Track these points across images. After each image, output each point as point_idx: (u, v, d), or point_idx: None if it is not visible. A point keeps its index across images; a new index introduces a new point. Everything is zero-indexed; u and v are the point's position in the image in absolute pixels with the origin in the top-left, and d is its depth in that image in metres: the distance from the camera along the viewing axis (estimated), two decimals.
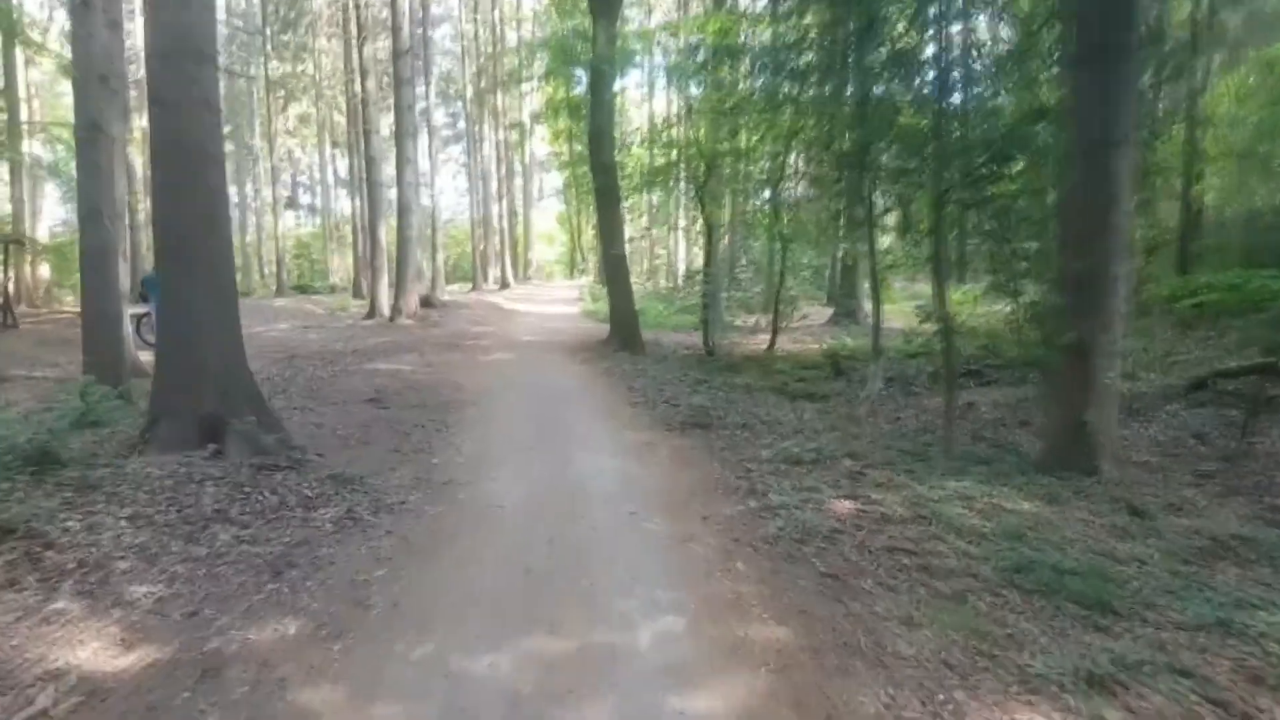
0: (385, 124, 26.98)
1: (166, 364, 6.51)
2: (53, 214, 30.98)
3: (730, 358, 14.17)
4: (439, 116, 52.88)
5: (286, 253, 35.29)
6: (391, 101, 21.25)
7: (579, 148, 48.21)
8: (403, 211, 19.81)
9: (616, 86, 16.48)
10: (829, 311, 20.60)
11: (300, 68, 38.08)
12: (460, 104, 45.69)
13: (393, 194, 19.83)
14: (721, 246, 18.82)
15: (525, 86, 39.49)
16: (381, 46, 25.43)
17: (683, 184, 19.83)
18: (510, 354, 14.09)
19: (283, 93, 38.80)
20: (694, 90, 18.55)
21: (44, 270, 25.08)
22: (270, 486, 5.41)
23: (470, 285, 38.60)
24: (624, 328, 14.74)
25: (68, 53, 11.40)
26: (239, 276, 39.33)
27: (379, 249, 20.62)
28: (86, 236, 9.71)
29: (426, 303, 23.82)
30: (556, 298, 32.21)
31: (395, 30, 19.61)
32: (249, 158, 39.50)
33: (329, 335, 17.88)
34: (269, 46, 35.56)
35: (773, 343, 14.83)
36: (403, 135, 19.64)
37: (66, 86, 15.66)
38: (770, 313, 15.54)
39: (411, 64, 21.25)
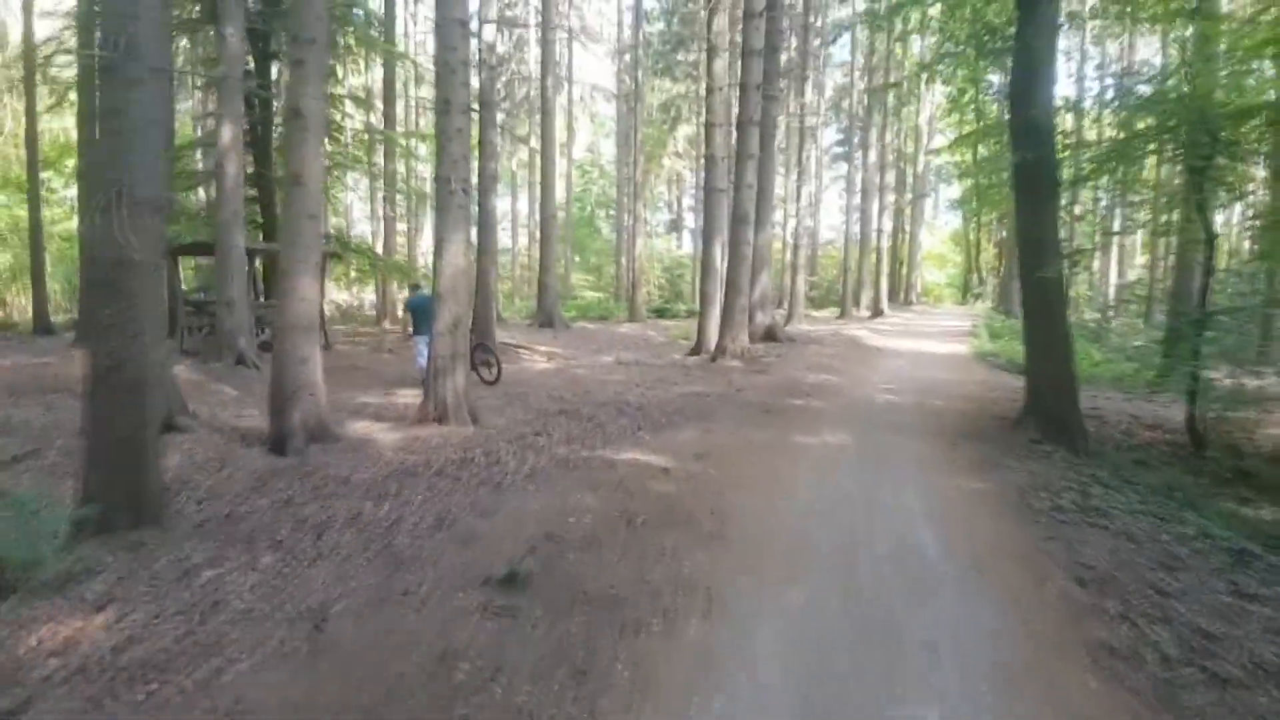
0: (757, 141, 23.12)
1: None
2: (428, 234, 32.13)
3: (1243, 455, 7.76)
4: (828, 135, 48.98)
5: (644, 275, 33.24)
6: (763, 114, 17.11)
7: (985, 150, 41.07)
8: (737, 223, 15.44)
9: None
10: None
11: (691, 88, 36.19)
12: (845, 113, 40.87)
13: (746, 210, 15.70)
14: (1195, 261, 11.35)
15: (924, 88, 33.64)
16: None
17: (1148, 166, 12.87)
18: (846, 435, 8.83)
19: (672, 113, 37.44)
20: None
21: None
22: None
23: (838, 311, 33.45)
24: (1053, 398, 8.68)
25: None
26: (603, 298, 38.88)
27: (709, 273, 16.49)
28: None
29: (770, 335, 19.25)
30: (940, 330, 25.72)
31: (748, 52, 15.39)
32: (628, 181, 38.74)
33: (634, 378, 14.14)
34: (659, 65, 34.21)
35: None
36: (744, 140, 15.31)
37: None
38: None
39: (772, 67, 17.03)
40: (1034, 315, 9.04)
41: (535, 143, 35.94)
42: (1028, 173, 9.01)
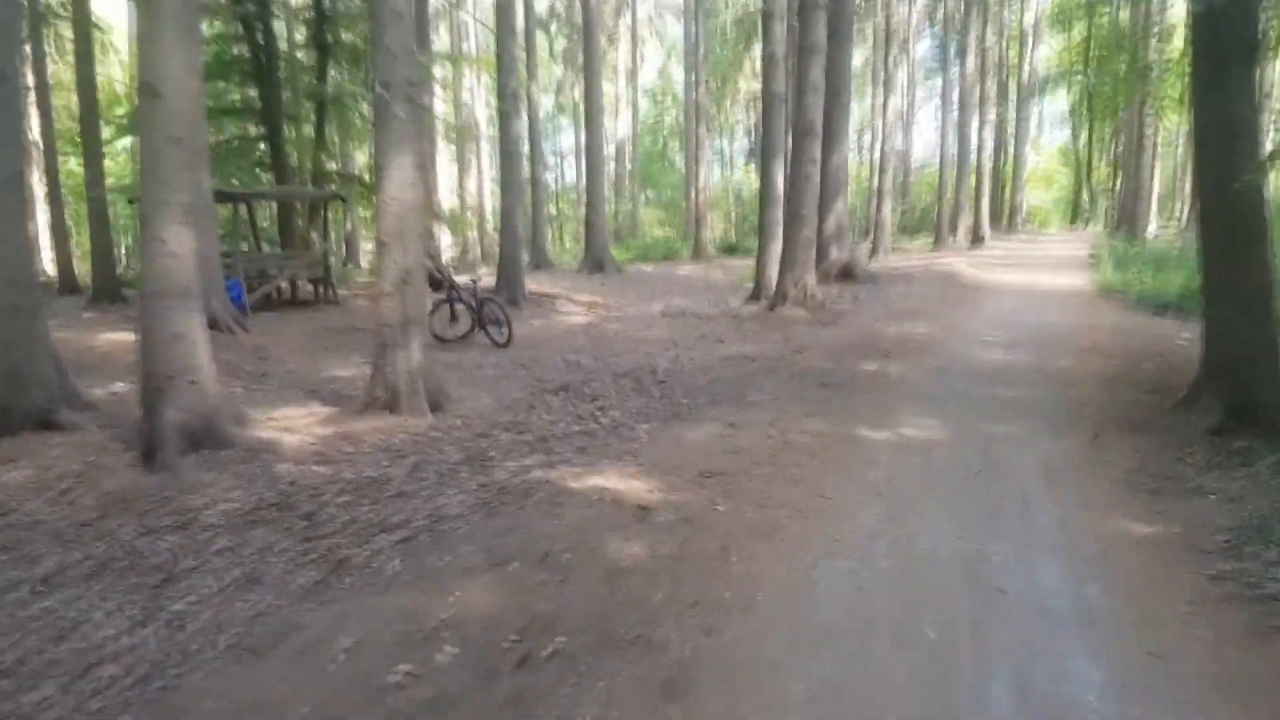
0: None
1: None
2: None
3: None
4: (922, 47, 44.08)
5: (709, 210, 30.40)
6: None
7: (1097, 55, 35.86)
8: (800, 137, 12.58)
9: None
10: None
11: None
12: (940, 21, 36.42)
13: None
14: None
15: None
16: None
17: None
18: (934, 423, 6.18)
19: (747, 27, 33.96)
20: None
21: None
22: None
23: (934, 240, 29.88)
24: (1245, 368, 5.82)
25: None
26: (669, 237, 35.97)
27: (769, 200, 13.74)
28: None
29: (847, 273, 16.39)
30: (1052, 259, 22.12)
31: None
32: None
33: (674, 333, 11.78)
34: None
35: None
36: (808, 27, 12.30)
37: None
38: None
39: None
40: (1219, 245, 6.11)
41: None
42: (1210, 27, 6.02)
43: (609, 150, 50.57)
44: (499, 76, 15.02)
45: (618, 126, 46.17)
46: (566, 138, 48.28)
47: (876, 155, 26.72)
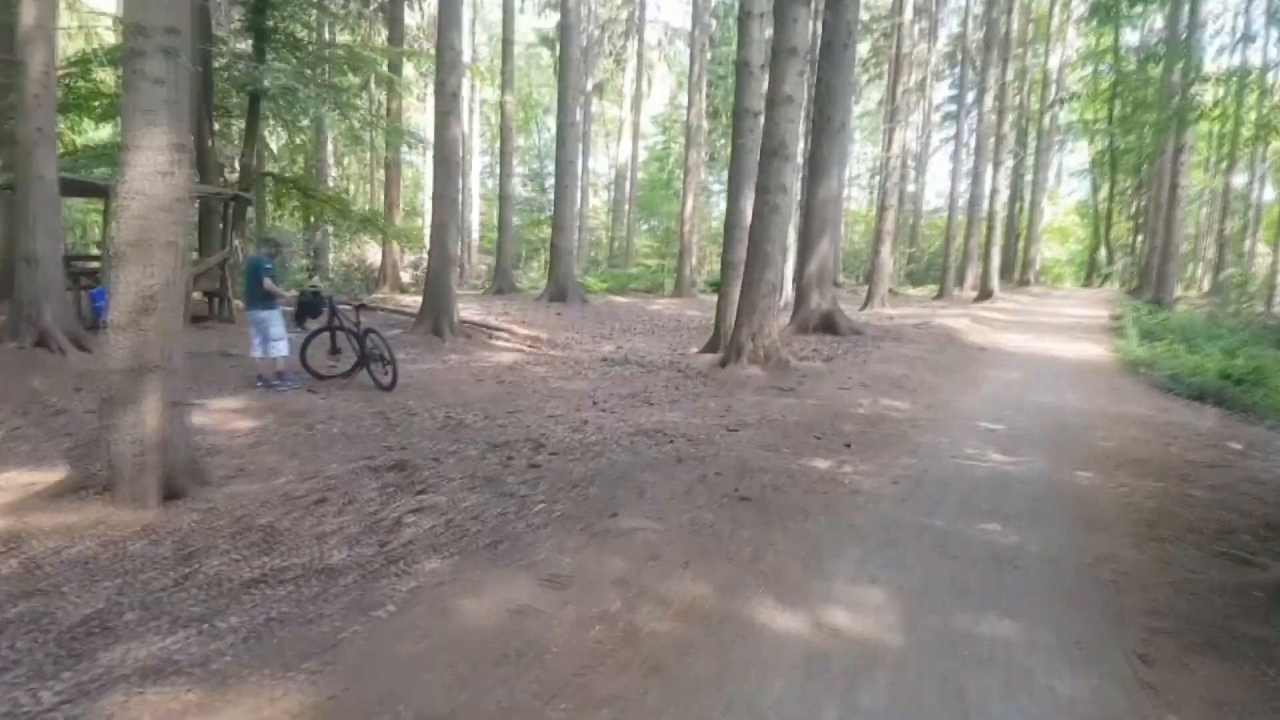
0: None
1: None
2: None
3: None
4: (940, 91, 42.07)
5: (710, 242, 28.35)
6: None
7: (1124, 107, 33.71)
8: (767, 159, 10.36)
9: None
10: None
11: None
12: (959, 56, 34.60)
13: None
14: None
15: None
16: None
17: None
18: (884, 599, 3.84)
19: None
20: None
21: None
22: None
23: (938, 290, 27.68)
24: None
25: None
26: (655, 268, 33.64)
27: (733, 234, 11.53)
28: None
29: (828, 324, 14.14)
30: (1066, 321, 19.87)
31: None
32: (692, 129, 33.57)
33: (599, 389, 9.68)
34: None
35: None
36: (783, 25, 10.14)
37: None
38: None
39: None
40: None
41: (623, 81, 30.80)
42: None
43: (609, 175, 48.84)
44: (438, 72, 12.92)
45: (619, 151, 44.34)
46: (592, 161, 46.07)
47: (877, 191, 24.56)
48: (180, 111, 4.96)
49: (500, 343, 13.20)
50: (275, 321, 8.73)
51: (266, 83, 15.38)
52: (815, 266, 13.99)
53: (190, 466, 5.25)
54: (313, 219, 18.12)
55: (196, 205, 16.88)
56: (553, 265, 19.30)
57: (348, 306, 9.72)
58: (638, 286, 25.55)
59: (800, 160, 16.67)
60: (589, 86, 35.91)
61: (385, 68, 17.72)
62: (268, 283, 8.65)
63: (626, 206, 39.77)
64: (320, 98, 15.99)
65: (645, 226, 43.97)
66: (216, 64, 16.04)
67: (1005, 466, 6.40)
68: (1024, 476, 6.14)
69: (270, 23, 16.18)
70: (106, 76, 14.94)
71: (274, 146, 19.89)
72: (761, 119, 10.60)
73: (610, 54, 38.01)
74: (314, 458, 6.23)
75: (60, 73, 13.04)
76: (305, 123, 18.18)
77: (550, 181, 43.47)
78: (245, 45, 16.52)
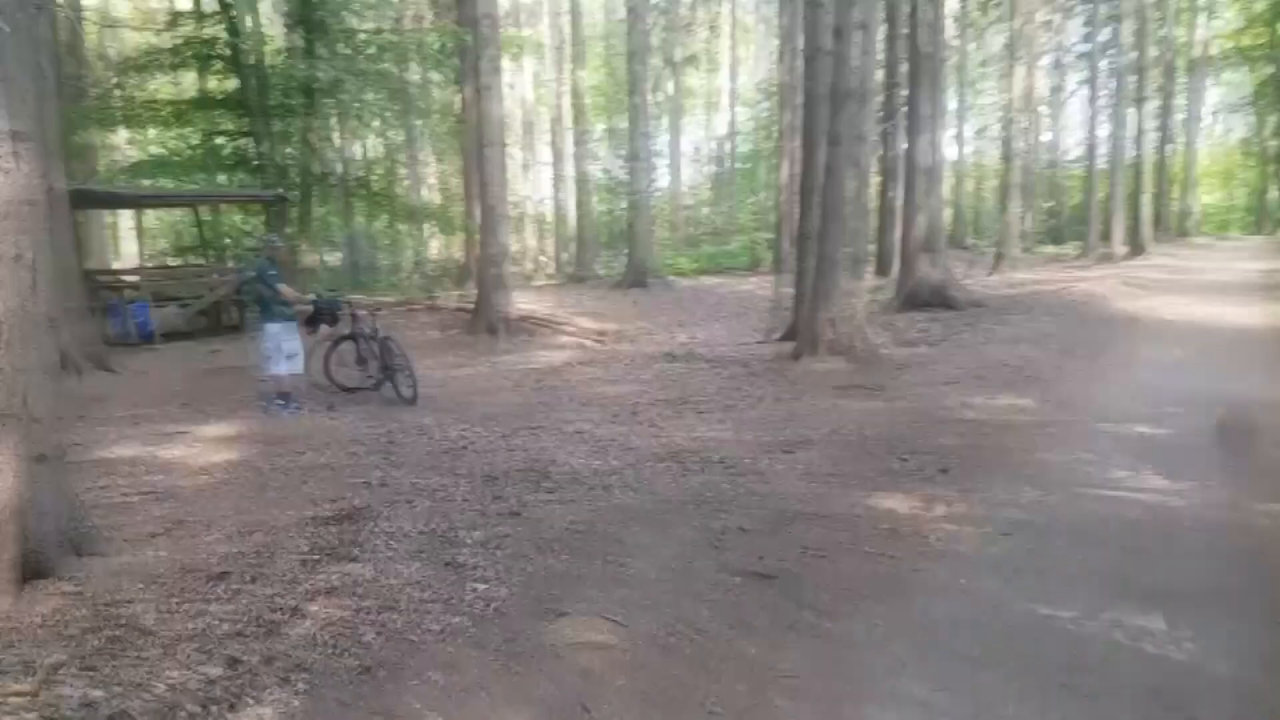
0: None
1: None
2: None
3: None
4: (1073, 30, 37.64)
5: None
6: None
7: None
8: (841, 103, 8.54)
9: None
10: None
11: None
12: None
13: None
14: None
15: None
16: None
17: None
18: None
19: None
20: None
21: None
22: None
23: (1081, 249, 24.51)
24: None
25: None
26: (758, 243, 31.27)
27: (809, 198, 9.74)
28: None
29: (938, 297, 12.12)
30: (1235, 278, 16.74)
31: None
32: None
33: (648, 392, 8.28)
34: None
35: None
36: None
37: None
38: None
39: None
40: None
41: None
42: None
43: (708, 149, 46.79)
44: (475, 45, 11.72)
45: (717, 123, 42.40)
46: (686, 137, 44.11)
47: (1002, 142, 21.80)
48: (16, 90, 3.79)
49: (561, 338, 11.94)
50: (288, 335, 7.71)
51: (320, 74, 14.63)
52: (922, 229, 11.99)
53: (70, 535, 4.13)
54: (377, 219, 17.50)
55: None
56: (631, 249, 17.90)
57: (364, 311, 8.62)
58: (734, 264, 23.76)
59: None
60: (678, 57, 34.18)
61: (439, 50, 16.74)
62: (284, 287, 7.65)
63: (726, 180, 37.82)
64: (369, 86, 15.10)
65: (751, 199, 41.79)
66: (270, 62, 15.46)
67: (1171, 501, 4.51)
68: (1200, 518, 4.25)
69: (319, 14, 15.42)
70: None
71: (339, 144, 19.35)
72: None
73: (706, 23, 36.12)
74: (273, 502, 5.13)
75: None
76: (374, 122, 17.45)
77: (657, 161, 42.06)
78: (297, 40, 15.84)
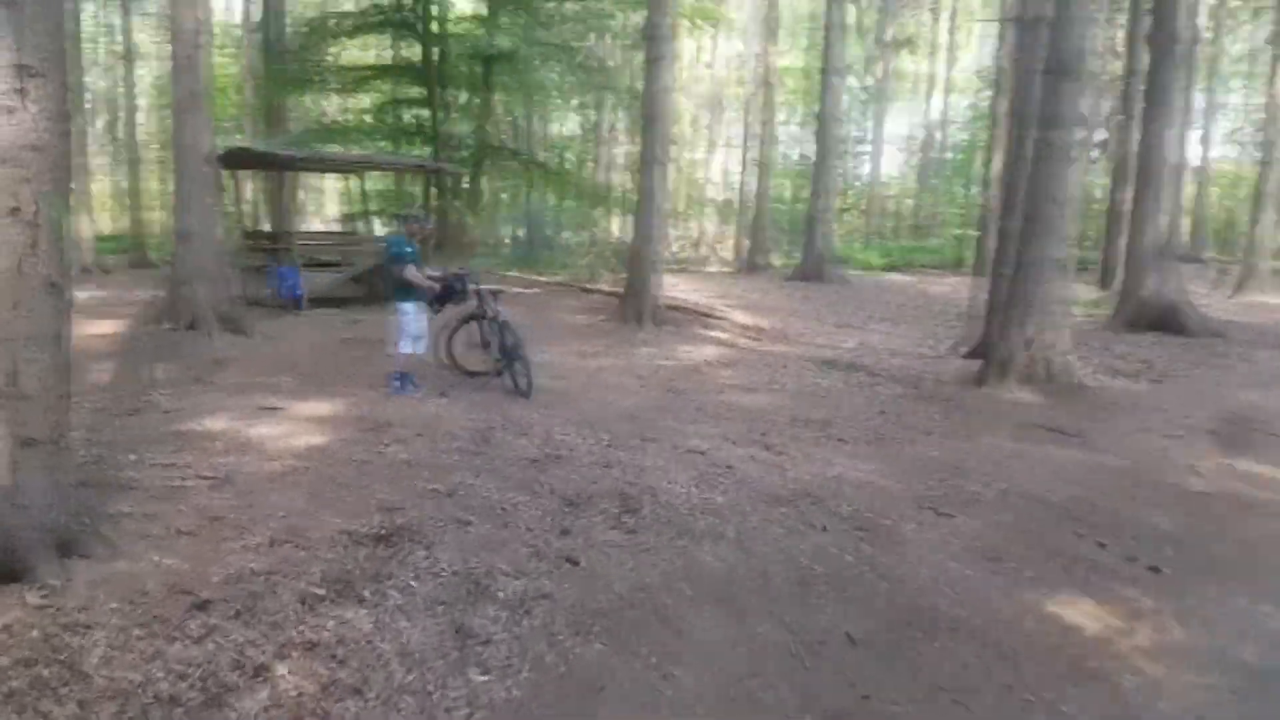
0: None
1: None
2: None
3: None
4: None
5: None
6: None
7: None
8: (1057, 76, 6.87)
9: None
10: None
11: None
12: None
13: None
14: None
15: None
16: None
17: None
18: None
19: None
20: None
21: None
22: None
23: None
24: None
25: None
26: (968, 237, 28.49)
27: (1013, 200, 8.14)
28: None
29: (1168, 320, 10.05)
30: None
31: None
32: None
33: (792, 408, 7.20)
34: None
35: None
36: None
37: None
38: None
39: None
40: None
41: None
42: None
43: (917, 137, 43.63)
44: (651, 9, 10.84)
45: (928, 109, 39.36)
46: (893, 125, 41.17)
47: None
48: (27, 19, 3.27)
49: (711, 332, 10.92)
50: (417, 315, 7.27)
51: (501, 41, 14.30)
52: (1152, 236, 9.93)
53: (59, 533, 3.62)
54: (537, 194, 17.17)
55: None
56: (807, 238, 16.49)
57: (488, 290, 7.99)
58: (929, 262, 21.66)
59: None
60: (889, 37, 31.87)
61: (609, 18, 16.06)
62: (410, 271, 7.19)
63: (935, 171, 35.02)
64: (549, 58, 14.64)
65: (961, 193, 38.51)
66: (453, 30, 15.35)
67: None
68: None
69: None
70: None
71: (517, 118, 19.15)
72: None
73: (925, 3, 33.53)
74: (327, 503, 4.55)
75: None
76: (553, 96, 17.07)
77: (857, 149, 39.61)
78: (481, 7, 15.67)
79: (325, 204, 27.80)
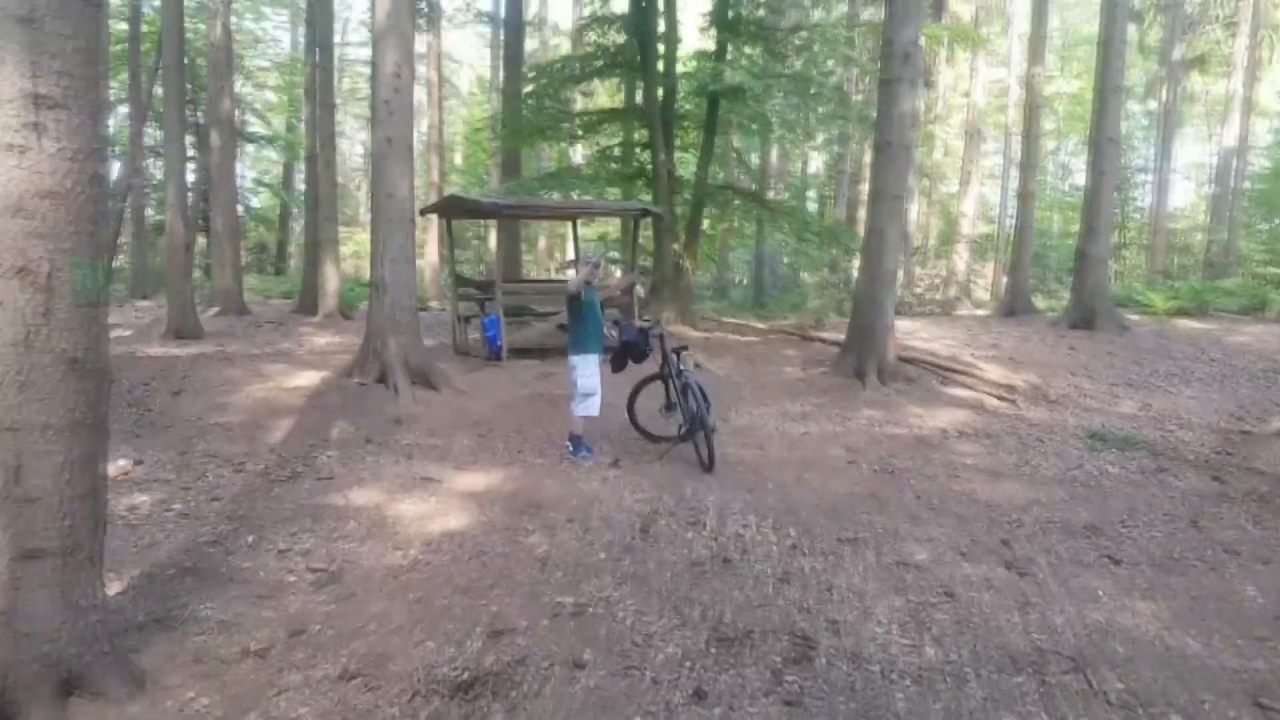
0: None
1: None
2: None
3: None
4: None
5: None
6: None
7: None
8: None
9: None
10: None
11: None
12: None
13: None
14: None
15: None
16: None
17: None
18: None
19: None
20: None
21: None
22: None
23: None
24: None
25: None
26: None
27: None
28: None
29: None
30: None
31: None
32: None
33: (1041, 515, 5.64)
34: None
35: None
36: None
37: None
38: None
39: None
40: None
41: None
42: None
43: (1209, 165, 37.38)
44: (886, 28, 9.53)
45: (1226, 134, 33.66)
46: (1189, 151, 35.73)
47: None
48: (47, 40, 2.77)
49: (953, 390, 9.20)
50: (587, 371, 6.57)
51: (733, 76, 13.53)
52: None
53: (68, 664, 2.90)
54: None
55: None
56: (1078, 278, 13.89)
57: (673, 346, 7.03)
58: (1225, 305, 17.85)
59: None
60: (1177, 55, 27.59)
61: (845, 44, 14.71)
62: (569, 316, 6.64)
63: (1231, 202, 29.62)
64: (780, 90, 13.66)
65: (1264, 226, 32.30)
66: (682, 70, 14.84)
67: None
68: None
69: (732, 12, 14.39)
70: None
71: (745, 154, 18.29)
72: None
73: (1220, 19, 28.75)
74: (431, 622, 3.82)
75: None
76: (779, 131, 16.08)
77: (1139, 179, 34.71)
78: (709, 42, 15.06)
79: (566, 252, 28.69)
